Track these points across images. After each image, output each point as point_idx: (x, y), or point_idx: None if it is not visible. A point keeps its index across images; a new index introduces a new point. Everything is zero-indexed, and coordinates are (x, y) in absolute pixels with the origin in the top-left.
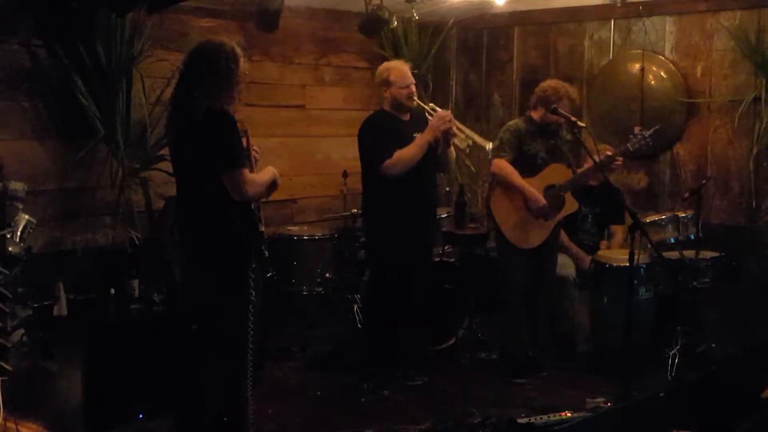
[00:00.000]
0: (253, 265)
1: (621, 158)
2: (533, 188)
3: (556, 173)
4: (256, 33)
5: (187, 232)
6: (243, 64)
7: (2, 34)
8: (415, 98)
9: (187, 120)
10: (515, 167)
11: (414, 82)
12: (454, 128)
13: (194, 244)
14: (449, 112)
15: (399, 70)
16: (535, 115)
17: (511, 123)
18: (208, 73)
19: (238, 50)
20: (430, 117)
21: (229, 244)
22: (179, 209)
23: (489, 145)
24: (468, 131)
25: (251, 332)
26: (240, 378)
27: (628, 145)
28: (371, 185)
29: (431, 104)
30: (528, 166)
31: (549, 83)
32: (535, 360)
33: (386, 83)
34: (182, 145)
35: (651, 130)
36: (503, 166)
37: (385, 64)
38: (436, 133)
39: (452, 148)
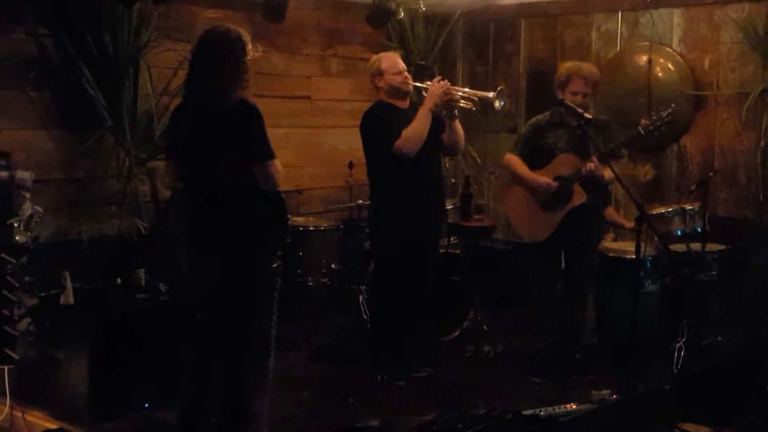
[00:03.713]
0: (280, 252)
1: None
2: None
3: (566, 164)
4: (262, 23)
5: (216, 222)
6: (250, 50)
7: (9, 24)
8: (410, 82)
9: (216, 112)
10: (531, 160)
11: (406, 67)
12: (455, 93)
13: (225, 233)
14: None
15: (389, 57)
16: None
17: (535, 117)
18: (217, 63)
19: (245, 36)
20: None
21: (262, 231)
22: (197, 199)
23: (492, 94)
24: (469, 90)
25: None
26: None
27: (640, 128)
28: (377, 177)
29: (427, 81)
30: (542, 158)
31: (561, 65)
32: (578, 361)
33: (379, 72)
34: (210, 137)
35: (668, 111)
36: (510, 160)
37: (374, 56)
38: (435, 100)
39: (460, 127)
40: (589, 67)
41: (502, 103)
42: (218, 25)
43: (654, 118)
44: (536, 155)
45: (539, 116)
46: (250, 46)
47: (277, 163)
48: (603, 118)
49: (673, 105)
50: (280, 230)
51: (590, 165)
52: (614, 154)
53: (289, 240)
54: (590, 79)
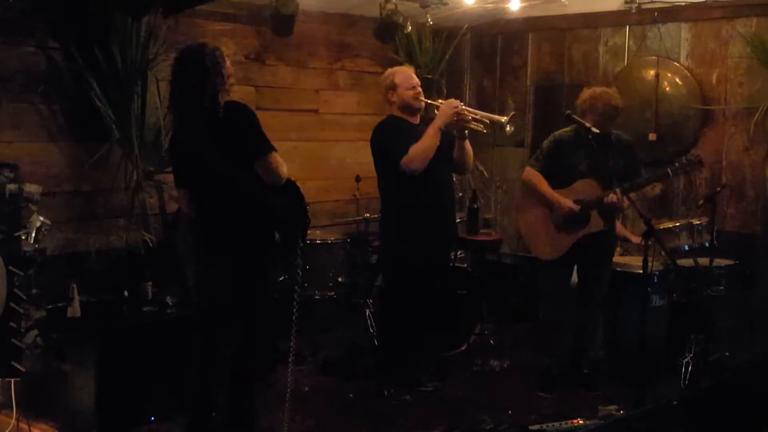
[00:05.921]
0: (301, 244)
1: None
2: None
3: (587, 188)
4: (270, 37)
5: (233, 226)
6: (227, 62)
7: (19, 37)
8: (422, 98)
9: (209, 119)
10: (551, 177)
11: (419, 83)
12: (466, 113)
13: (244, 234)
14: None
15: (403, 72)
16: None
17: (558, 131)
18: (199, 72)
19: (219, 49)
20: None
21: (282, 224)
22: (210, 208)
23: (504, 119)
24: (481, 112)
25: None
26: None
27: (669, 170)
28: (388, 191)
29: (439, 99)
30: (562, 178)
31: (584, 91)
32: (586, 376)
33: (392, 86)
34: (209, 145)
35: (698, 159)
36: (531, 175)
37: (389, 70)
38: (446, 119)
39: (469, 146)
40: (606, 99)
41: (513, 129)
42: (192, 42)
43: (684, 162)
44: (556, 174)
45: (563, 131)
46: (228, 64)
47: (277, 156)
48: (626, 138)
49: (700, 154)
50: (300, 216)
51: (612, 197)
52: (637, 188)
53: (309, 231)
54: (607, 115)
